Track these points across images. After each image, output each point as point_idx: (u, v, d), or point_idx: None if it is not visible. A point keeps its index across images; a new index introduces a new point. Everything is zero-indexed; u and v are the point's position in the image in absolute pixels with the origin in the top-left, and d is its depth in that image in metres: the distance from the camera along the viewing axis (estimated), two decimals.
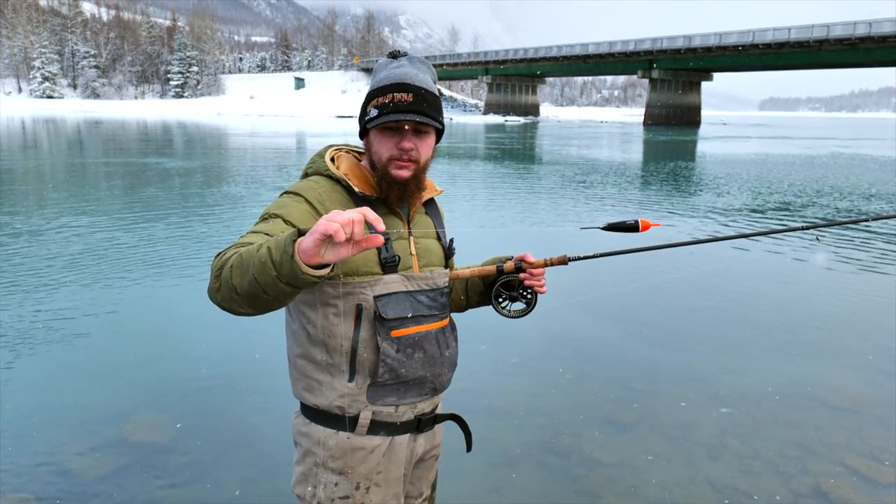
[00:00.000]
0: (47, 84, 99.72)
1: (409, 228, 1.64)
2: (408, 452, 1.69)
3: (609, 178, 17.83)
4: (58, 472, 3.26)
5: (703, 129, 62.09)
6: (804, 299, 6.74)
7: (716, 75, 79.08)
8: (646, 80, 75.97)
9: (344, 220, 1.15)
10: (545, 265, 1.71)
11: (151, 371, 4.51)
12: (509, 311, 1.77)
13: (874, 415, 4.11)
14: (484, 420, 3.86)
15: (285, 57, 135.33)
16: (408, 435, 1.67)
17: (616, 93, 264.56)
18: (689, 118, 75.02)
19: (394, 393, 1.61)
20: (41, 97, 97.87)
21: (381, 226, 1.19)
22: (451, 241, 1.77)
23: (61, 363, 4.63)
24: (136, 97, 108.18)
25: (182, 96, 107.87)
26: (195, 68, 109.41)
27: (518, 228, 10.18)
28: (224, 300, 1.33)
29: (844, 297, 6.70)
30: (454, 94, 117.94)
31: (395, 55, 1.62)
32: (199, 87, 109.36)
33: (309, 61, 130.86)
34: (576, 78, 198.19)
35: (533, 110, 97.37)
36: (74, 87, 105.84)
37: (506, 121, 75.94)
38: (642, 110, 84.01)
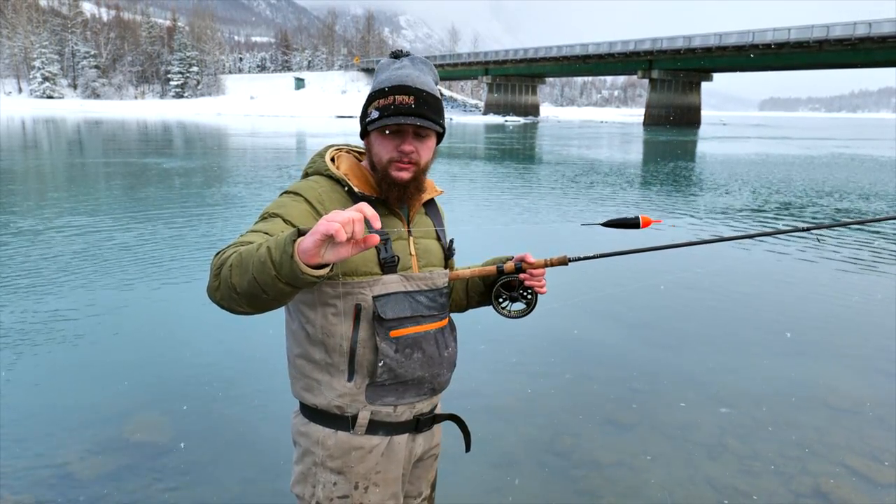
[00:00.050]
0: (47, 84, 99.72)
1: (409, 228, 1.65)
2: (406, 452, 1.69)
3: (609, 178, 17.83)
4: (58, 472, 3.26)
5: (703, 130, 62.09)
6: (804, 299, 6.74)
7: (716, 75, 79.10)
8: (646, 81, 75.94)
9: (344, 219, 1.15)
10: (545, 266, 1.71)
11: (152, 371, 4.51)
12: (509, 311, 1.77)
13: (874, 415, 4.11)
14: (483, 420, 3.86)
15: (285, 57, 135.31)
16: (406, 435, 1.67)
17: (616, 93, 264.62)
18: (689, 118, 75.00)
19: (392, 393, 1.61)
20: (41, 97, 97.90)
21: (377, 223, 1.19)
22: (451, 241, 1.77)
23: (61, 364, 4.63)
24: (136, 97, 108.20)
25: (182, 96, 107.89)
26: (195, 68, 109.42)
27: (518, 227, 10.18)
28: (223, 299, 1.34)
29: (845, 297, 6.69)
30: (454, 95, 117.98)
31: (397, 55, 1.62)
32: (199, 87, 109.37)
33: (309, 61, 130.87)
34: (576, 78, 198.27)
35: (533, 110, 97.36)
36: (74, 87, 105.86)
37: (506, 121, 75.90)
38: (642, 110, 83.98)
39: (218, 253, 1.38)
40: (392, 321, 1.56)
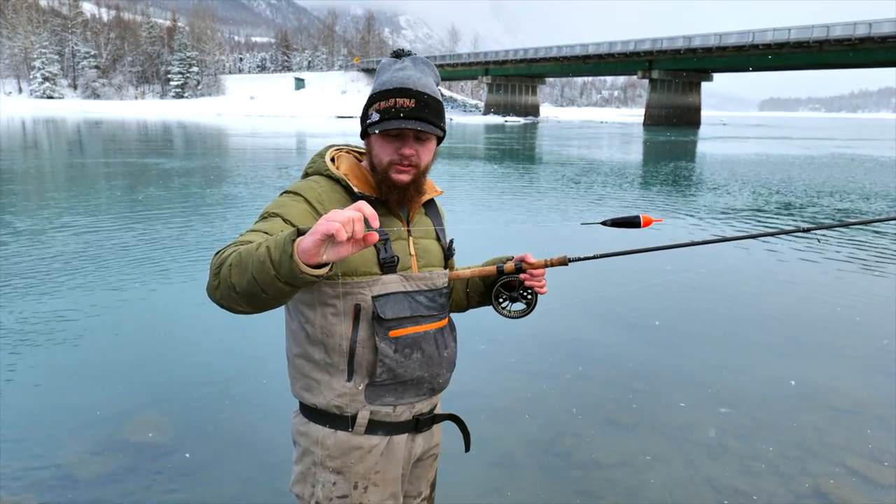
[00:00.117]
0: (47, 84, 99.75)
1: (409, 228, 1.65)
2: (406, 452, 1.69)
3: (609, 178, 17.83)
4: (58, 473, 3.26)
5: (703, 130, 62.10)
6: (804, 299, 6.74)
7: (716, 76, 79.10)
8: (646, 81, 75.93)
9: (344, 218, 1.15)
10: (545, 266, 1.71)
11: (152, 371, 4.51)
12: (509, 311, 1.77)
13: (874, 415, 4.10)
14: (483, 420, 3.86)
15: (285, 57, 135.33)
16: (406, 435, 1.67)
17: (616, 93, 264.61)
18: (689, 118, 75.02)
19: (392, 393, 1.61)
20: (41, 97, 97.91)
21: (375, 222, 1.19)
22: (451, 241, 1.77)
23: (61, 364, 4.63)
24: (136, 97, 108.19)
25: (182, 97, 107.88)
26: (195, 69, 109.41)
27: (518, 227, 10.18)
28: (222, 298, 1.34)
29: (845, 297, 6.69)
30: (454, 95, 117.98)
31: (398, 55, 1.61)
32: (199, 87, 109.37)
33: (309, 62, 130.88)
34: (576, 78, 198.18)
35: (533, 111, 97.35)
36: (75, 87, 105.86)
37: (506, 121, 75.94)
38: (642, 111, 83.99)
39: (218, 252, 1.38)
40: (391, 321, 1.56)
